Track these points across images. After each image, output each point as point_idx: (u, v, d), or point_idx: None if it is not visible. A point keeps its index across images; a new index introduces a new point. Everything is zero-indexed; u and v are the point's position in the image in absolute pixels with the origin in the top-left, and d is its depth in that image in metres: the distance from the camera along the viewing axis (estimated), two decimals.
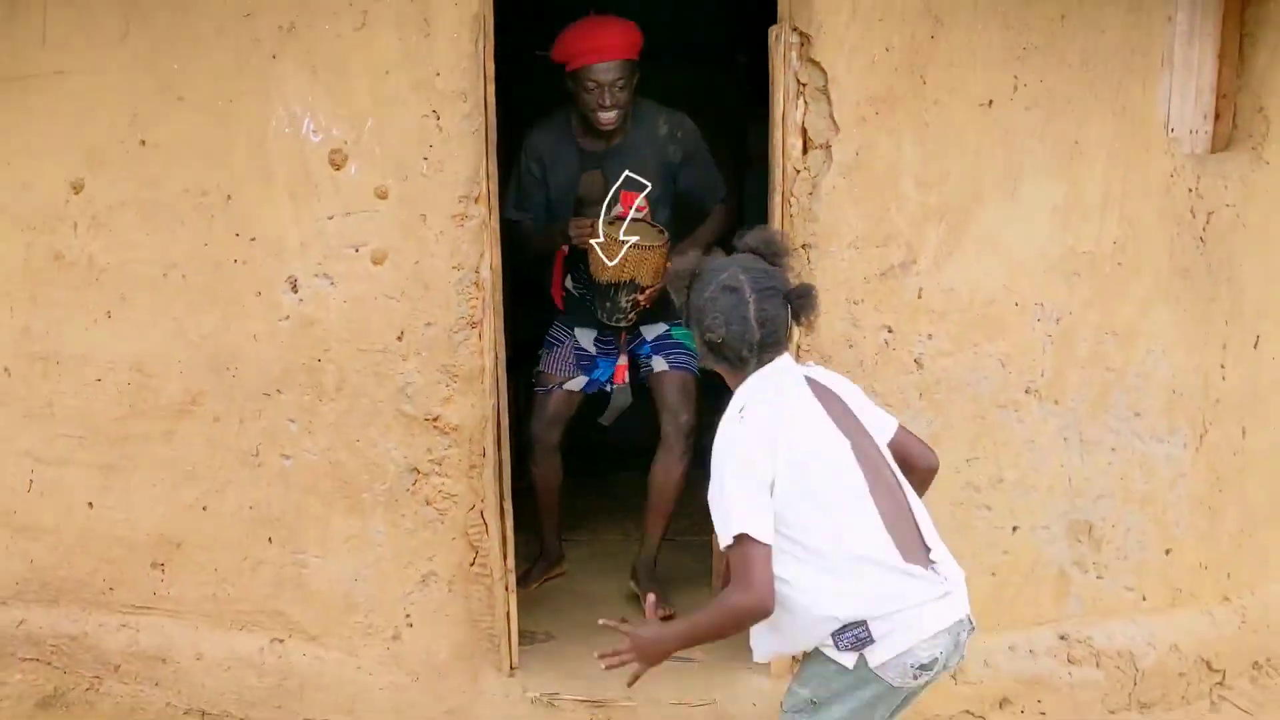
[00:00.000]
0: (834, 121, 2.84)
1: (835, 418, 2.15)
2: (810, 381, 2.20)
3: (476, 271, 2.85)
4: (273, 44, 2.78)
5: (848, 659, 2.05)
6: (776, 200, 2.89)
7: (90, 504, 3.20)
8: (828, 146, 2.85)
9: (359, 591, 3.03)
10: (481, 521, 2.98)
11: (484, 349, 2.89)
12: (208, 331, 2.98)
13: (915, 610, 2.05)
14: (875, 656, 2.04)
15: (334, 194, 2.82)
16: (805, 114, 2.84)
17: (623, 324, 3.46)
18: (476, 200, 2.82)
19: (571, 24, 3.36)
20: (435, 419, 2.91)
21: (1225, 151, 3.45)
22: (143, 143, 2.94)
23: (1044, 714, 3.25)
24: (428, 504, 2.96)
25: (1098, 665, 3.29)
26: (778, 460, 2.04)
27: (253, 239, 2.89)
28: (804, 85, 2.82)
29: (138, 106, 2.94)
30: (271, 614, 3.10)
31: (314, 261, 2.86)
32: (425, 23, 2.72)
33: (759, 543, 1.98)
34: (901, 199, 2.93)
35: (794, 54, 2.80)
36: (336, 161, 2.81)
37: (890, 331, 2.99)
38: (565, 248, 3.51)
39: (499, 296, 2.93)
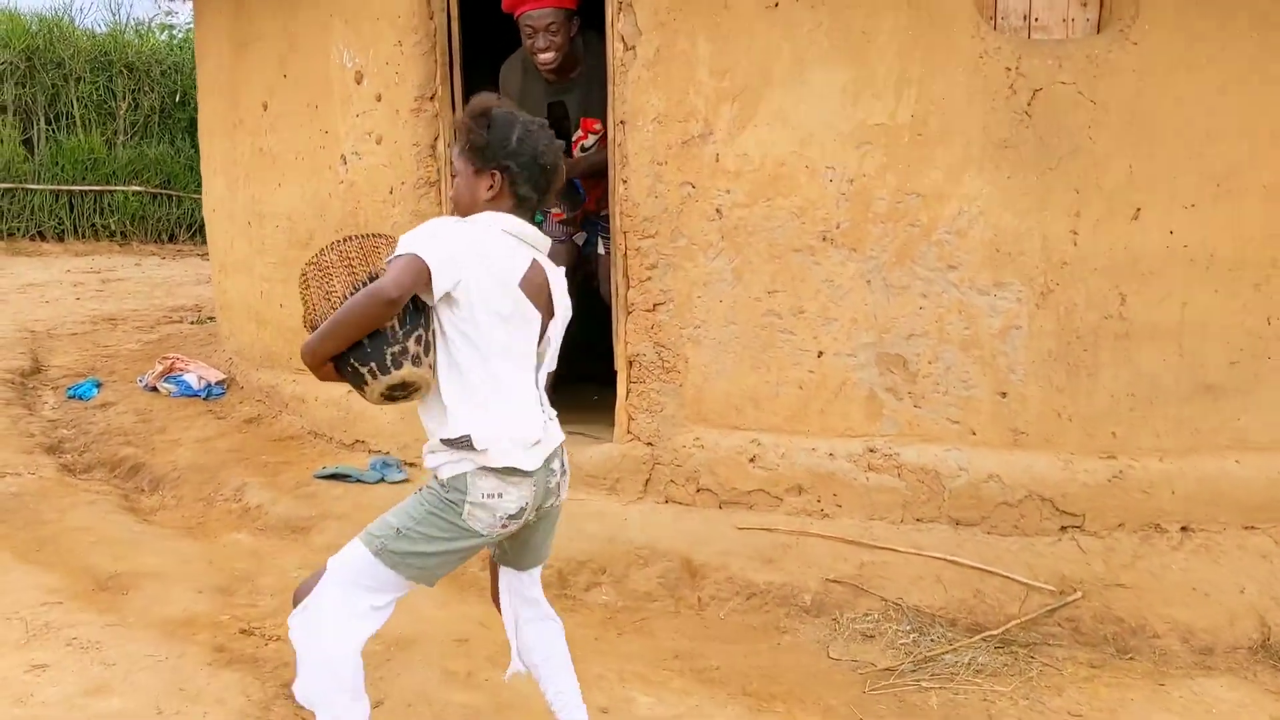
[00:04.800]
0: (638, 28, 3.89)
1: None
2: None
3: (432, 148, 4.35)
4: (330, 8, 4.52)
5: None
6: (611, 90, 4.01)
7: (281, 305, 5.23)
8: (634, 48, 3.91)
9: None
10: None
11: (441, 200, 4.37)
12: (311, 193, 4.83)
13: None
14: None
15: (358, 100, 4.50)
16: (622, 24, 3.93)
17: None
18: (432, 99, 4.32)
19: None
20: None
21: (1096, 36, 3.83)
22: (284, 76, 4.86)
23: (840, 506, 3.96)
24: None
25: (899, 476, 3.92)
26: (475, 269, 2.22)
27: (325, 132, 4.67)
28: (622, 3, 3.92)
29: (282, 58, 4.87)
30: None
31: (351, 144, 4.56)
32: None
33: (421, 263, 2.15)
34: (698, 85, 3.89)
35: None
36: (358, 79, 4.47)
37: (693, 187, 3.95)
38: None
39: None
